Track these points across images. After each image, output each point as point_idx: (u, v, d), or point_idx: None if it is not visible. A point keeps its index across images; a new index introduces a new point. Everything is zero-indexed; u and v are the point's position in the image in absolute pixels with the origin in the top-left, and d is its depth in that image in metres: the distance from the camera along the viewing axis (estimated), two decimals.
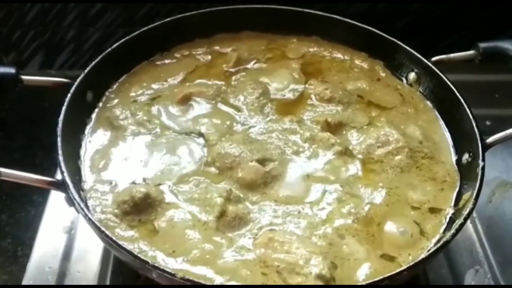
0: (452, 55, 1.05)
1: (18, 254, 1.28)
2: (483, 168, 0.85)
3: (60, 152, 0.84)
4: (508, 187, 1.13)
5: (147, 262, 0.72)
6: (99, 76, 1.00)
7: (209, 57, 1.11)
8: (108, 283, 0.95)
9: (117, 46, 1.03)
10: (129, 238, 0.81)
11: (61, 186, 0.81)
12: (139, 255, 0.74)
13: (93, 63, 0.99)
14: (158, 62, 1.10)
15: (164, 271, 0.71)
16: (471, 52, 1.04)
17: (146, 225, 0.83)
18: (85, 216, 0.77)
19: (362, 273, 0.78)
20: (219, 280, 0.76)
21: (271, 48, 1.14)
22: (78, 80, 0.95)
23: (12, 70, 0.92)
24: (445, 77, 1.00)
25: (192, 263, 0.78)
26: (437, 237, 0.83)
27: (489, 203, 1.10)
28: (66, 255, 1.00)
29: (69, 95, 0.93)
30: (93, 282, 0.96)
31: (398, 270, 0.73)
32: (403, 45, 1.07)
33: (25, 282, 0.96)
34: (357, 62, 1.11)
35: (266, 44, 1.14)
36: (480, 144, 0.88)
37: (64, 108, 0.90)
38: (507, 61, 1.00)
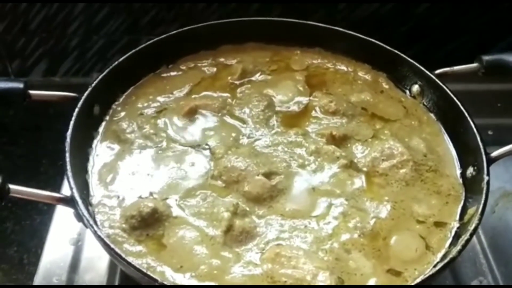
0: (455, 67, 1.05)
1: (24, 261, 1.29)
2: (488, 182, 0.86)
3: (68, 167, 0.84)
4: (511, 197, 1.14)
5: (156, 280, 0.72)
6: (105, 90, 1.01)
7: (214, 69, 1.12)
8: None
9: (123, 59, 1.04)
10: (137, 253, 0.82)
11: (70, 202, 0.82)
12: (147, 271, 0.75)
13: (100, 77, 1.00)
14: (164, 75, 1.10)
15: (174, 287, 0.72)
16: (474, 65, 1.04)
17: (153, 240, 0.84)
18: (95, 233, 0.78)
19: None
20: None
21: (276, 60, 1.14)
22: (85, 94, 0.96)
23: (20, 85, 0.93)
24: (448, 90, 1.01)
25: (199, 279, 0.79)
26: (443, 251, 0.84)
27: (492, 213, 1.11)
28: (73, 266, 1.01)
29: (76, 109, 0.93)
30: None
31: (406, 285, 0.74)
32: (406, 58, 1.08)
33: None
34: (360, 74, 1.12)
35: (270, 56, 1.15)
36: (485, 158, 0.89)
37: (72, 122, 0.91)
38: (511, 74, 1.01)
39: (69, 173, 0.83)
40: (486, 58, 1.03)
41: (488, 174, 0.87)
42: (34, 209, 1.34)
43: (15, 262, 1.29)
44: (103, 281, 0.99)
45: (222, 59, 1.14)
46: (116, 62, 1.03)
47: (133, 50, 1.05)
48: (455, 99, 0.99)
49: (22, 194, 0.81)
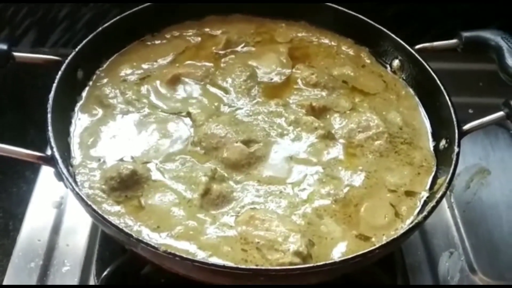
0: (435, 43, 1.07)
1: (9, 228, 1.30)
2: (457, 154, 0.88)
3: (49, 128, 0.86)
4: (486, 174, 1.16)
5: (131, 236, 0.75)
6: (89, 55, 1.02)
7: (199, 39, 1.13)
8: (95, 256, 0.98)
9: (108, 25, 1.05)
10: (116, 213, 0.84)
11: (50, 161, 0.83)
12: (123, 228, 0.77)
13: (84, 41, 1.01)
14: (149, 43, 1.11)
15: (148, 244, 0.74)
16: (453, 41, 1.06)
17: (132, 201, 0.86)
18: (73, 190, 0.80)
19: (338, 251, 0.82)
20: (201, 255, 0.79)
21: (260, 32, 1.15)
22: (69, 58, 0.97)
23: (4, 47, 0.93)
24: (427, 65, 1.02)
25: (176, 238, 0.81)
26: (411, 218, 0.87)
27: (467, 189, 1.14)
28: (56, 229, 1.03)
29: (60, 72, 0.95)
30: (81, 255, 0.99)
31: (370, 249, 0.77)
32: (388, 32, 1.09)
33: (15, 254, 0.99)
34: (343, 48, 1.14)
35: (255, 27, 1.16)
36: (457, 131, 0.91)
37: (54, 85, 0.92)
38: (488, 50, 1.03)
39: (50, 133, 0.85)
40: (465, 34, 1.04)
41: (458, 146, 0.89)
42: (20, 177, 1.35)
43: (0, 228, 1.31)
44: (84, 242, 1.01)
45: (207, 29, 1.14)
46: (100, 28, 1.04)
47: (118, 17, 1.06)
48: (432, 73, 1.01)
49: (3, 152, 0.83)
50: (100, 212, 0.77)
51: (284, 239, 0.80)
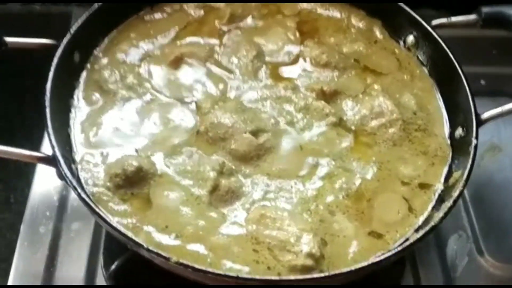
0: (453, 18, 1.01)
1: (10, 201, 1.29)
2: (475, 146, 0.85)
3: (49, 124, 0.82)
4: (497, 151, 1.14)
5: (141, 245, 0.73)
6: (85, 35, 0.96)
7: (201, 11, 1.06)
8: (102, 245, 0.97)
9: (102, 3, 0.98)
10: (122, 212, 0.81)
11: (52, 161, 0.80)
12: (132, 231, 0.76)
13: (79, 23, 0.94)
14: (147, 17, 1.05)
15: (158, 254, 0.72)
16: (472, 16, 1.00)
17: (138, 199, 0.83)
18: (79, 195, 0.77)
19: (351, 251, 0.80)
20: (211, 257, 0.78)
21: (266, 3, 1.08)
22: (64, 41, 0.91)
23: None
24: (444, 44, 0.97)
25: (185, 240, 0.79)
26: (426, 214, 0.85)
27: (477, 167, 1.11)
28: (59, 216, 1.01)
29: (55, 59, 0.89)
30: (87, 244, 0.97)
31: (386, 256, 0.75)
32: (403, 6, 1.03)
33: (19, 243, 0.97)
34: (354, 21, 1.07)
35: None
36: (474, 120, 0.88)
37: (50, 74, 0.87)
38: (510, 28, 0.97)
39: (50, 130, 0.81)
40: (485, 10, 0.98)
41: (476, 138, 0.86)
42: (19, 146, 1.31)
43: (1, 201, 1.29)
44: (91, 229, 0.99)
45: None
46: (97, 6, 0.97)
47: None
48: (450, 54, 0.96)
49: (1, 154, 0.79)
50: (109, 221, 0.75)
51: (296, 239, 0.79)
